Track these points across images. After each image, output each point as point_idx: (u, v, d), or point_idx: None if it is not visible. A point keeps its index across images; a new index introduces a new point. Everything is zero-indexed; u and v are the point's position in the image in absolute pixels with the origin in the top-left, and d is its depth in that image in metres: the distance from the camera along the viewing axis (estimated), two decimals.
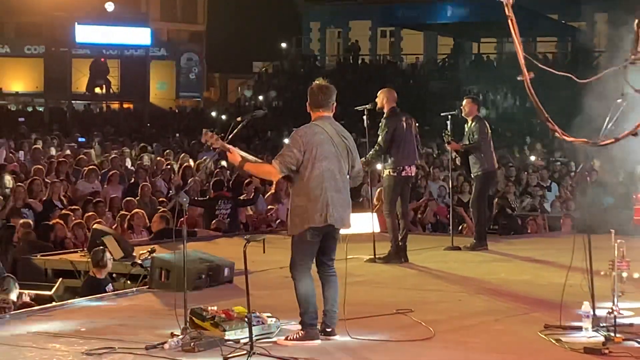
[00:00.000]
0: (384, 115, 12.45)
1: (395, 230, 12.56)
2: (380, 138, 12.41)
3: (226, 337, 7.88)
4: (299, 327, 8.01)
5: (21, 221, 14.24)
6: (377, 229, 12.99)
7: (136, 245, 13.28)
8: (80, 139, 26.20)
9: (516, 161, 24.62)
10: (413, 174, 13.04)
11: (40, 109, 41.21)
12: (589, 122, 8.28)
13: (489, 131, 13.83)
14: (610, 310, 7.91)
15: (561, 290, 8.38)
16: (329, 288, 8.13)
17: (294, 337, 7.93)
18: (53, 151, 22.14)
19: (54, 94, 40.56)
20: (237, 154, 8.16)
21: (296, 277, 8.03)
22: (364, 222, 15.27)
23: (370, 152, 12.40)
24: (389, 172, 12.46)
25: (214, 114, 35.87)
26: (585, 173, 13.42)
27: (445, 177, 16.72)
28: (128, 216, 15.35)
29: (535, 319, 8.62)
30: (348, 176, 8.15)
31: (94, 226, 13.66)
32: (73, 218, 14.98)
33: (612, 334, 7.72)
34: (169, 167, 20.83)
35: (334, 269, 8.18)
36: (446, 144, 14.20)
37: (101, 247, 11.55)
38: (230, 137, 8.19)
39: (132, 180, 18.92)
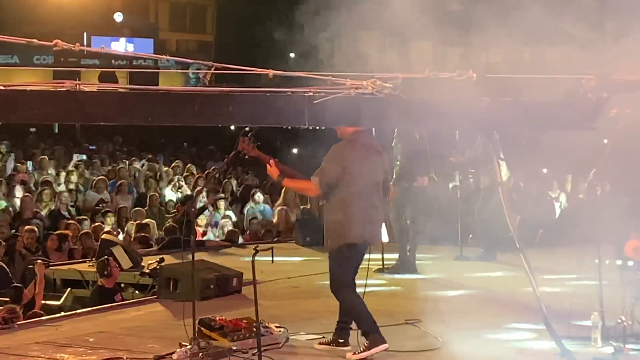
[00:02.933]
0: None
1: (404, 241, 12.52)
2: (395, 151, 12.36)
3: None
4: (363, 339, 7.93)
5: (26, 227, 14.27)
6: (386, 239, 12.95)
7: (145, 255, 13.29)
8: (90, 147, 26.18)
9: None
10: (425, 184, 12.94)
11: None
12: None
13: None
14: (620, 321, 7.89)
15: (570, 301, 8.35)
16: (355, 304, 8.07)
17: (362, 349, 7.82)
18: (62, 161, 22.17)
19: None
20: (275, 167, 8.14)
21: (340, 297, 8.02)
22: None
23: (395, 169, 12.27)
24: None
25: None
26: None
27: (454, 187, 16.66)
28: (137, 226, 15.38)
29: (543, 330, 8.57)
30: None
31: (102, 236, 13.68)
32: (81, 228, 15.02)
33: (622, 344, 7.69)
34: (177, 177, 20.86)
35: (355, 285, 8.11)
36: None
37: (106, 258, 11.55)
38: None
39: (142, 191, 18.94)
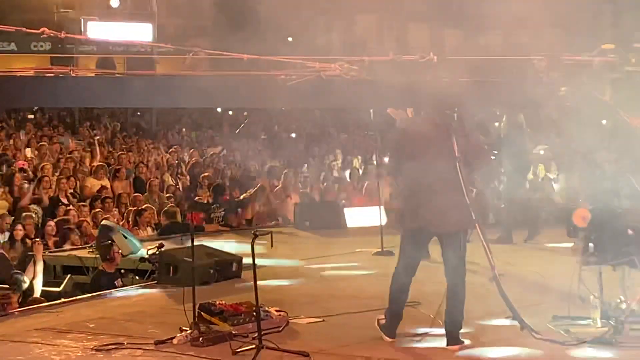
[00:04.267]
0: None
1: None
2: None
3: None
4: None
5: (24, 214, 14.28)
6: (385, 222, 12.97)
7: (144, 240, 13.30)
8: (89, 133, 26.11)
9: None
10: None
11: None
12: None
13: None
14: (619, 301, 7.90)
15: (570, 281, 8.36)
16: (449, 297, 7.67)
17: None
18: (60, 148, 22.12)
19: None
20: None
21: (392, 276, 7.86)
22: (371, 215, 15.35)
23: None
24: None
25: (219, 109, 35.90)
26: None
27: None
28: (135, 212, 15.38)
29: (545, 310, 8.57)
30: (458, 165, 7.51)
31: (102, 222, 13.68)
32: (80, 214, 15.03)
33: (621, 324, 7.69)
34: (176, 162, 20.85)
35: (457, 273, 7.61)
36: None
37: (109, 242, 11.58)
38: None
39: (139, 176, 18.90)
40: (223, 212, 16.54)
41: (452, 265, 7.60)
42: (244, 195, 17.36)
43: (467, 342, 7.59)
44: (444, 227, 7.54)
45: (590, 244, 8.29)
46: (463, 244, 7.58)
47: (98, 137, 23.23)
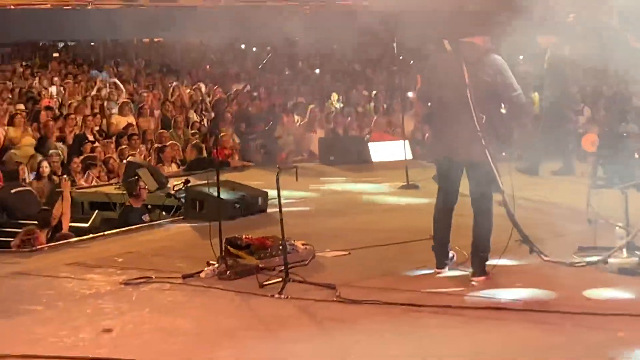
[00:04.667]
0: None
1: None
2: None
3: None
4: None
5: (51, 152, 14.37)
6: (410, 156, 12.96)
7: (170, 176, 13.37)
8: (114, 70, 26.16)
9: None
10: None
11: (72, 44, 41.09)
12: None
13: None
14: None
15: (595, 212, 8.37)
16: (473, 228, 7.68)
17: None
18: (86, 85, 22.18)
19: None
20: None
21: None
22: (396, 150, 15.34)
23: None
24: None
25: (243, 45, 35.70)
26: None
27: None
28: (160, 148, 15.45)
29: (571, 241, 8.56)
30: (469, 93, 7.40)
31: (128, 159, 13.76)
32: (106, 151, 15.13)
33: None
34: (200, 99, 20.84)
35: (480, 203, 7.56)
36: None
37: (135, 178, 11.66)
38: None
39: (165, 114, 18.93)
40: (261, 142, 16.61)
41: (475, 196, 7.60)
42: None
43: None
44: (460, 156, 7.54)
45: (599, 168, 8.35)
46: (484, 174, 7.48)
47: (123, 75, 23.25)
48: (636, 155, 8.27)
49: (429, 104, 7.83)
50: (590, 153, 8.62)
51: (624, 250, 7.88)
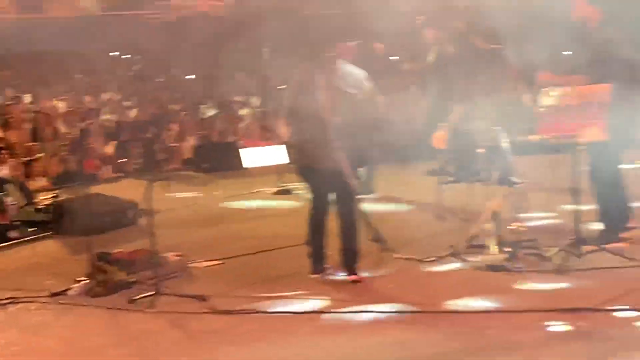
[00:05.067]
0: None
1: None
2: None
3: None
4: None
5: None
6: (287, 160, 12.93)
7: (38, 190, 13.05)
8: None
9: None
10: None
11: None
12: None
13: None
14: (514, 227, 8.02)
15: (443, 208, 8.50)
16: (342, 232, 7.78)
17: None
18: None
19: None
20: None
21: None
22: (271, 155, 15.29)
23: None
24: None
25: (112, 53, 35.24)
26: None
27: None
28: (28, 162, 15.09)
29: (442, 240, 8.64)
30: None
31: None
32: None
33: (516, 250, 7.81)
34: (71, 110, 20.39)
35: (342, 207, 7.69)
36: None
37: (1, 193, 11.34)
38: None
39: (35, 125, 18.46)
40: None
41: (338, 201, 7.68)
42: None
43: (365, 274, 7.65)
44: (319, 164, 7.54)
45: (448, 164, 8.62)
46: (342, 180, 7.53)
47: None
48: (480, 151, 8.60)
49: (291, 114, 7.78)
50: (439, 150, 8.90)
51: (492, 246, 7.99)
